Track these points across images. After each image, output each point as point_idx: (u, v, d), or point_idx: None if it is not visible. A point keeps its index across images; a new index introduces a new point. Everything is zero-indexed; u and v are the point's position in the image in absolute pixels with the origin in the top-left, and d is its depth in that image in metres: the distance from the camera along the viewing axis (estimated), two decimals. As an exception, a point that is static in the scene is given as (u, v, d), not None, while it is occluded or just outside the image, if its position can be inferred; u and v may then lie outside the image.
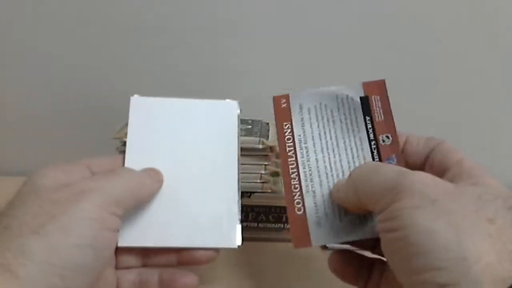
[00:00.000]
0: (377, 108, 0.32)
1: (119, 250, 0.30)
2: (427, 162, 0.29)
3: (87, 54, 0.55)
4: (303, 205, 0.30)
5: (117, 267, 0.31)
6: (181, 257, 0.31)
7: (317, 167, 0.31)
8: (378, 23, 0.53)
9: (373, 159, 0.31)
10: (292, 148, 0.31)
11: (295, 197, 0.30)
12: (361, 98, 0.33)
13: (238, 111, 0.36)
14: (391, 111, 0.32)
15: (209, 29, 0.54)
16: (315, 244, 0.29)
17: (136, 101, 0.35)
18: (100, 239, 0.25)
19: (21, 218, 0.24)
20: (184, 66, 0.55)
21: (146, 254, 0.31)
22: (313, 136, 0.32)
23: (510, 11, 0.52)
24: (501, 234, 0.21)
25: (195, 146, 0.34)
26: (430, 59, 0.55)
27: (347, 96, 0.32)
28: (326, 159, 0.31)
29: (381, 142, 0.31)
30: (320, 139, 0.32)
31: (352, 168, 0.31)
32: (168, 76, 0.56)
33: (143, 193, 0.30)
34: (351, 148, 0.31)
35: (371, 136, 0.31)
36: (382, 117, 0.31)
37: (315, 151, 0.31)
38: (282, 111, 0.33)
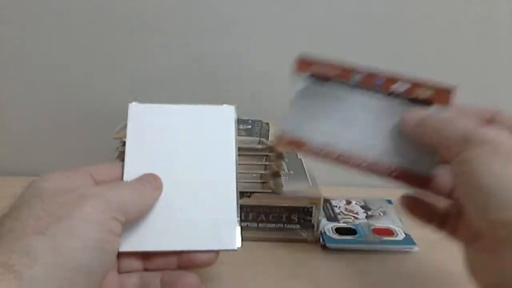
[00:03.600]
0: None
1: (120, 255, 0.30)
2: None
3: (87, 55, 0.55)
4: None
5: (119, 271, 0.31)
6: (181, 261, 0.32)
7: None
8: (378, 25, 0.54)
9: None
10: None
11: None
12: None
13: (235, 116, 0.36)
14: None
15: (209, 29, 0.54)
16: None
17: (134, 108, 0.35)
18: (105, 242, 0.25)
19: (25, 220, 0.24)
20: (184, 66, 0.55)
21: (147, 258, 0.32)
22: None
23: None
24: None
25: (193, 152, 0.34)
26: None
27: None
28: None
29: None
30: None
31: None
32: (168, 76, 0.56)
33: (145, 201, 0.30)
34: None
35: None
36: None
37: None
38: None
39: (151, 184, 0.31)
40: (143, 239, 0.30)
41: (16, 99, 0.57)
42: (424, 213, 0.33)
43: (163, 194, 0.32)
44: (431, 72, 0.56)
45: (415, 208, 0.33)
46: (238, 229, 0.32)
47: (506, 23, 0.54)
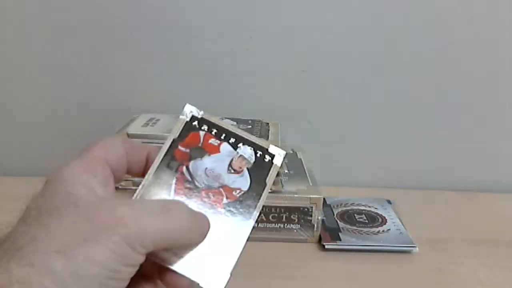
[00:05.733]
0: None
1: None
2: None
3: (87, 54, 0.55)
4: None
5: None
6: (164, 277, 0.31)
7: None
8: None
9: None
10: None
11: None
12: None
13: (281, 162, 0.34)
14: None
15: (209, 29, 0.54)
16: None
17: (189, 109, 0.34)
18: (122, 273, 0.25)
19: (53, 230, 0.23)
20: (184, 66, 0.55)
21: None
22: None
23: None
24: None
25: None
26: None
27: None
28: None
29: None
30: None
31: None
32: (168, 76, 0.56)
33: (182, 238, 0.28)
34: None
35: None
36: None
37: None
38: None
39: (197, 227, 0.29)
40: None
41: (16, 99, 0.57)
42: None
43: None
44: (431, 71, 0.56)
45: None
46: (227, 277, 0.31)
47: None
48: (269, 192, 0.43)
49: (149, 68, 0.55)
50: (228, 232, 0.31)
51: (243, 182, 0.33)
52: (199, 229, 0.29)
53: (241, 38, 0.54)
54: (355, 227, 0.46)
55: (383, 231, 0.45)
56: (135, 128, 0.43)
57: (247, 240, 0.31)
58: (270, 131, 0.45)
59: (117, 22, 0.53)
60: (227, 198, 0.32)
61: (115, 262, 0.24)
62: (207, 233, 0.30)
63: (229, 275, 0.30)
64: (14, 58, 0.55)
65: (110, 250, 0.24)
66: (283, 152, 0.34)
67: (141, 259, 0.26)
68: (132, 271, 0.26)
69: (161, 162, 0.31)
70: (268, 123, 0.48)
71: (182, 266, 0.30)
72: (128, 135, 0.42)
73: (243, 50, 0.55)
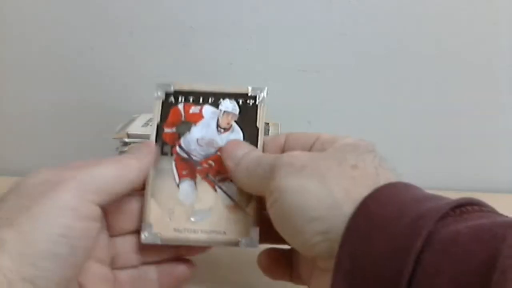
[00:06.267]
0: None
1: (119, 248, 0.30)
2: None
3: (87, 54, 0.55)
4: None
5: (115, 266, 0.31)
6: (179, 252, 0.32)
7: None
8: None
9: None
10: None
11: None
12: None
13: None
14: None
15: (209, 29, 0.54)
16: None
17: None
18: (75, 229, 0.25)
19: None
20: (184, 66, 0.55)
21: (146, 252, 0.31)
22: None
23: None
24: (363, 175, 0.24)
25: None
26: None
27: None
28: None
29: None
30: None
31: None
32: (168, 76, 0.56)
33: (129, 176, 0.28)
34: None
35: None
36: None
37: None
38: None
39: (139, 152, 0.30)
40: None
41: (16, 99, 0.57)
42: (280, 266, 0.32)
43: None
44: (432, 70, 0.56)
45: (274, 265, 0.32)
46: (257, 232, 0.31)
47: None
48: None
49: (149, 68, 0.55)
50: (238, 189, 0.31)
51: (236, 136, 0.33)
52: (138, 152, 0.30)
53: (241, 38, 0.54)
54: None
55: (383, 231, 0.45)
56: (135, 128, 0.43)
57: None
58: (270, 131, 0.45)
59: (117, 21, 0.53)
60: None
61: (66, 217, 0.24)
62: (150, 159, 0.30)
63: (257, 227, 0.31)
64: (13, 58, 0.55)
65: (56, 207, 0.24)
66: (264, 88, 0.34)
67: (95, 209, 0.26)
68: (92, 226, 0.26)
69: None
70: (268, 123, 0.48)
71: (215, 239, 0.30)
72: (128, 135, 0.42)
73: (243, 50, 0.55)
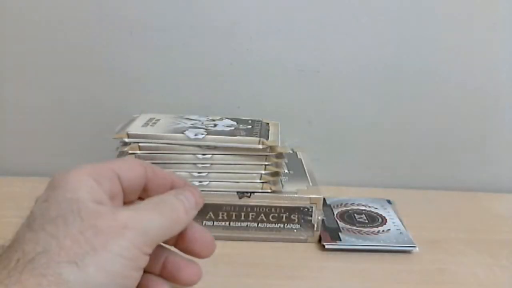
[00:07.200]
0: None
1: None
2: None
3: (87, 54, 0.55)
4: None
5: None
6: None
7: None
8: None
9: None
10: None
11: None
12: None
13: None
14: None
15: (209, 29, 0.54)
16: None
17: None
18: (129, 278, 0.25)
19: (62, 241, 0.23)
20: (184, 66, 0.55)
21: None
22: None
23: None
24: None
25: None
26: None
27: None
28: None
29: None
30: None
31: None
32: (168, 76, 0.56)
33: (176, 229, 0.28)
34: None
35: None
36: None
37: None
38: None
39: (185, 208, 0.29)
40: None
41: (16, 99, 0.57)
42: None
43: None
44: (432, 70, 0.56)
45: None
46: None
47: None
48: (269, 192, 0.43)
49: (149, 68, 0.55)
50: None
51: None
52: (191, 213, 0.29)
53: (241, 38, 0.54)
54: (355, 227, 0.46)
55: (383, 231, 0.45)
56: (135, 128, 0.43)
57: None
58: (270, 131, 0.45)
59: (117, 21, 0.53)
60: None
61: (126, 268, 0.24)
62: (196, 212, 0.30)
63: None
64: (13, 58, 0.55)
65: (120, 256, 0.24)
66: None
67: (147, 260, 0.26)
68: (140, 275, 0.26)
69: None
70: (268, 123, 0.48)
71: None
72: (128, 135, 0.42)
73: (243, 50, 0.55)
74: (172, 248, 0.32)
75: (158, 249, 0.31)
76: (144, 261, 0.26)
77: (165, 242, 0.31)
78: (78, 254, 0.23)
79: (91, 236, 0.24)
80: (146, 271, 0.31)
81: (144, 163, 0.31)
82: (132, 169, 0.30)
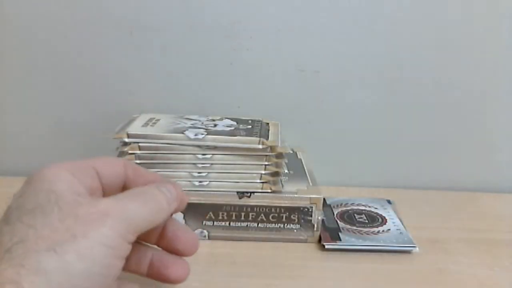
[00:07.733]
0: None
1: None
2: None
3: (87, 54, 0.55)
4: None
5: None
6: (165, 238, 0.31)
7: None
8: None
9: None
10: None
11: None
12: None
13: None
14: None
15: (209, 29, 0.54)
16: None
17: None
18: (111, 267, 0.24)
19: (39, 230, 0.23)
20: (184, 66, 0.55)
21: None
22: None
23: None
24: None
25: None
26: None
27: None
28: None
29: None
30: None
31: None
32: (169, 76, 0.56)
33: (158, 219, 0.28)
34: None
35: None
36: None
37: None
38: None
39: (168, 199, 0.29)
40: None
41: (16, 100, 0.57)
42: None
43: None
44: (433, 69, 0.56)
45: None
46: None
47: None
48: (269, 192, 0.43)
49: (149, 68, 0.56)
50: None
51: None
52: (172, 204, 0.29)
53: (241, 38, 0.54)
54: (355, 227, 0.46)
55: (383, 231, 0.45)
56: (135, 128, 0.43)
57: None
58: (270, 131, 0.45)
59: (117, 21, 0.53)
60: None
61: (107, 256, 0.23)
62: (177, 204, 0.29)
63: None
64: (13, 58, 0.55)
65: (102, 244, 0.23)
66: None
67: (129, 249, 0.25)
68: (122, 264, 0.25)
69: None
70: (268, 123, 0.48)
71: None
72: (128, 135, 0.42)
73: (243, 50, 0.55)
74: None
75: (143, 249, 0.31)
76: (126, 250, 0.25)
77: (147, 240, 0.31)
78: (56, 242, 0.22)
79: (71, 223, 0.23)
80: (133, 271, 0.31)
81: (125, 161, 0.31)
82: (111, 166, 0.30)
